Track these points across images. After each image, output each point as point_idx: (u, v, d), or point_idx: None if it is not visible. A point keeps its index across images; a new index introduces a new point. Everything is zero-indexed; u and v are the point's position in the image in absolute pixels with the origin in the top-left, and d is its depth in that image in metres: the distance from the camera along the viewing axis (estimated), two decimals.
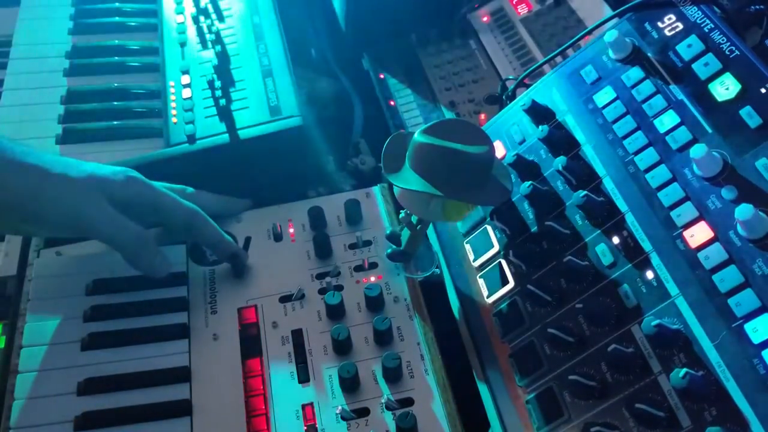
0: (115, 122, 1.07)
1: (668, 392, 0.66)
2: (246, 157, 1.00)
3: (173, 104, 1.05)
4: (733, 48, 0.76)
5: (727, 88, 0.74)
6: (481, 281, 0.85)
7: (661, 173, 0.75)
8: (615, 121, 0.81)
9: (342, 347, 0.83)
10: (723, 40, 0.77)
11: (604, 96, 0.83)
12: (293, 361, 0.84)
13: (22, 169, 0.81)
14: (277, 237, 0.96)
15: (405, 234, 0.88)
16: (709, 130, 0.74)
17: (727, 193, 0.69)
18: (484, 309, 0.84)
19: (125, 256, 0.87)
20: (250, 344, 0.86)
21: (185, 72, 1.10)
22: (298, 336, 0.86)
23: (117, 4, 1.28)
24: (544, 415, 0.73)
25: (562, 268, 0.77)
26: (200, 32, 1.15)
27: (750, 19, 0.88)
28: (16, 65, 1.15)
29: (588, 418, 0.70)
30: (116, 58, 1.18)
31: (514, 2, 1.22)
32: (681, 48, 0.79)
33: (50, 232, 0.91)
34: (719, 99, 0.74)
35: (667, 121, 0.77)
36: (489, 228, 0.88)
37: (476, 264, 0.87)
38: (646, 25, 0.84)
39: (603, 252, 0.76)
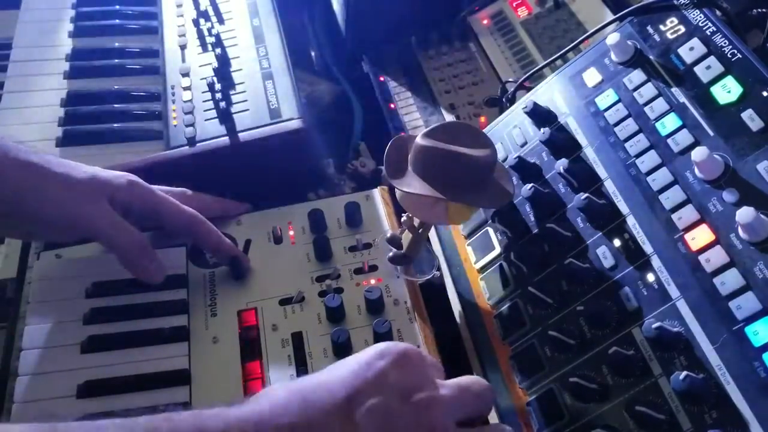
0: (116, 125, 1.07)
1: (669, 395, 0.66)
2: (246, 160, 1.00)
3: (173, 107, 1.05)
4: (735, 51, 0.76)
5: (728, 91, 0.74)
6: (482, 283, 0.85)
7: (663, 176, 0.75)
8: (617, 123, 0.81)
9: (342, 350, 0.83)
10: (725, 43, 0.77)
11: (605, 99, 0.84)
12: (293, 364, 0.84)
13: (25, 167, 0.81)
14: (277, 240, 0.96)
15: (406, 237, 0.88)
16: (711, 133, 0.74)
17: (729, 195, 0.69)
18: (484, 311, 0.84)
19: (122, 258, 0.87)
20: (250, 347, 0.85)
21: (185, 75, 1.10)
22: (298, 339, 0.86)
23: (117, 7, 1.28)
24: (545, 417, 0.73)
25: (563, 270, 0.77)
26: (200, 35, 1.15)
27: (752, 21, 0.88)
28: (16, 68, 1.15)
29: (588, 421, 0.70)
30: (116, 60, 1.18)
31: (514, 5, 1.22)
32: (683, 51, 0.79)
33: (50, 232, 0.90)
34: (721, 102, 0.74)
35: (668, 123, 0.77)
36: (490, 230, 0.88)
37: (477, 266, 0.87)
38: (648, 27, 0.84)
39: (604, 254, 0.76)
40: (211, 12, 1.19)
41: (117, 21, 1.26)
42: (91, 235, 0.86)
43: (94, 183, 0.85)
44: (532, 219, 0.84)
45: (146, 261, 0.87)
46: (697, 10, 0.81)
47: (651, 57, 0.82)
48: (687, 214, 0.71)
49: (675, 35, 0.81)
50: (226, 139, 0.99)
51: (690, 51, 0.79)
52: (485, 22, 1.24)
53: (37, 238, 0.95)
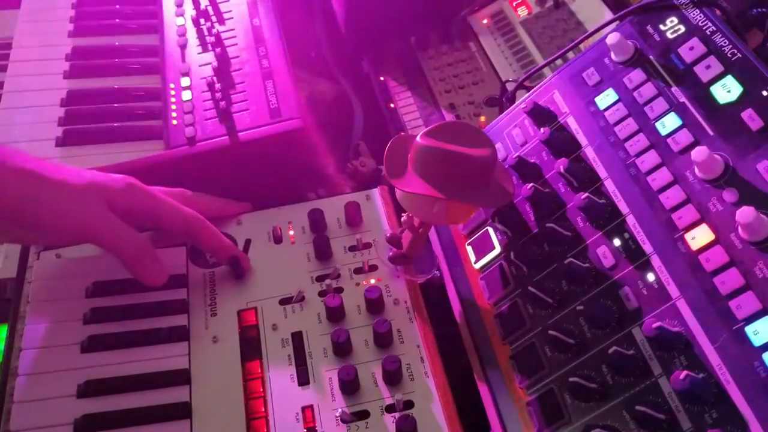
0: (116, 124, 1.07)
1: (669, 394, 0.66)
2: (246, 160, 1.00)
3: (173, 106, 1.05)
4: (735, 51, 0.76)
5: (728, 91, 0.74)
6: (482, 283, 0.85)
7: (663, 175, 0.75)
8: (617, 123, 0.81)
9: (342, 350, 0.83)
10: (725, 42, 0.77)
11: (605, 98, 0.83)
12: (293, 364, 0.84)
13: (22, 175, 0.81)
14: (277, 239, 0.96)
15: (406, 237, 0.88)
16: (711, 133, 0.74)
17: (729, 195, 0.69)
18: (484, 311, 0.84)
19: (124, 262, 0.87)
20: (250, 347, 0.86)
21: (185, 74, 1.09)
22: (298, 338, 0.86)
23: (117, 7, 1.28)
24: (545, 417, 0.73)
25: (563, 269, 0.77)
26: (200, 34, 1.14)
27: (752, 21, 0.88)
28: (16, 68, 1.15)
29: (588, 420, 0.70)
30: (116, 60, 1.18)
31: (514, 5, 1.22)
32: (683, 50, 0.79)
33: (50, 238, 0.91)
34: (721, 101, 0.74)
35: (668, 123, 0.77)
36: (490, 230, 0.88)
37: (477, 266, 0.87)
38: (648, 27, 0.84)
39: (604, 254, 0.76)
40: (211, 11, 1.19)
41: (117, 20, 1.26)
42: (92, 240, 0.86)
43: (92, 189, 0.84)
44: (532, 219, 0.84)
45: (149, 264, 0.88)
46: (696, 10, 0.81)
47: (651, 57, 0.82)
48: (687, 214, 0.71)
49: (675, 35, 0.81)
50: (226, 139, 0.99)
51: (690, 50, 0.79)
52: (485, 21, 1.24)
53: (37, 245, 0.95)
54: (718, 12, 0.80)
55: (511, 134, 0.92)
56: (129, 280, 0.89)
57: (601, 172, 0.80)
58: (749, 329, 0.63)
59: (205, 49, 1.12)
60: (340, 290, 0.89)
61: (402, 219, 0.87)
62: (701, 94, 0.76)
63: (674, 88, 0.79)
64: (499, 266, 0.84)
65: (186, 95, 1.06)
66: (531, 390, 0.75)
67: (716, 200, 0.70)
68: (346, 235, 0.95)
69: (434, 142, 0.77)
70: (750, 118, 0.71)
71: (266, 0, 1.19)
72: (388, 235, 0.92)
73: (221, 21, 1.17)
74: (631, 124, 0.80)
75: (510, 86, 1.03)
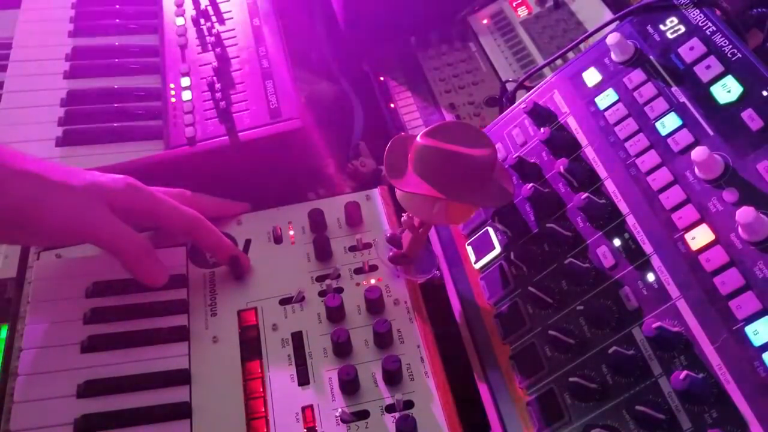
0: (116, 124, 1.07)
1: (669, 394, 0.66)
2: (246, 160, 1.00)
3: (173, 106, 1.05)
4: (735, 51, 0.76)
5: (728, 91, 0.74)
6: (482, 283, 0.85)
7: (663, 175, 0.75)
8: (617, 123, 0.81)
9: (342, 350, 0.83)
10: (725, 42, 0.77)
11: (605, 98, 0.83)
12: (293, 364, 0.84)
13: (22, 176, 0.81)
14: (277, 239, 0.96)
15: (406, 237, 0.88)
16: (711, 133, 0.74)
17: (729, 195, 0.69)
18: (484, 311, 0.84)
19: (125, 263, 0.87)
20: (250, 347, 0.86)
21: (185, 74, 1.10)
22: (298, 338, 0.86)
23: (117, 7, 1.28)
24: (545, 416, 0.73)
25: (563, 269, 0.77)
26: (200, 34, 1.15)
27: (752, 21, 0.88)
28: (16, 68, 1.15)
29: (588, 420, 0.70)
30: (116, 60, 1.18)
31: (514, 5, 1.22)
32: (683, 50, 0.79)
33: (51, 239, 0.91)
34: (721, 102, 0.74)
35: (668, 123, 0.77)
36: (490, 230, 0.88)
37: (477, 266, 0.87)
38: (648, 27, 0.84)
39: (604, 254, 0.76)
40: (211, 12, 1.19)
41: (117, 20, 1.26)
42: (93, 241, 0.86)
43: (93, 189, 0.84)
44: (532, 218, 0.84)
45: (149, 265, 0.88)
46: (696, 10, 0.81)
47: (651, 57, 0.82)
48: (687, 214, 0.71)
49: (675, 35, 0.81)
50: (226, 139, 0.99)
51: (690, 50, 0.79)
52: (485, 21, 1.24)
53: (38, 246, 0.95)
54: (718, 12, 0.80)
55: (511, 134, 0.92)
56: (129, 280, 0.89)
57: (601, 172, 0.80)
58: (749, 329, 0.63)
59: (205, 49, 1.13)
60: (340, 290, 0.89)
61: (402, 219, 0.87)
62: (701, 94, 0.76)
63: (674, 88, 0.79)
64: (499, 266, 0.84)
65: (186, 95, 1.06)
66: (531, 390, 0.75)
67: (716, 200, 0.70)
68: (346, 235, 0.95)
69: (434, 142, 0.77)
70: (750, 118, 0.71)
71: (266, 0, 1.19)
72: (388, 235, 0.92)
73: (221, 21, 1.17)
74: (631, 124, 0.80)
75: (510, 86, 1.03)
